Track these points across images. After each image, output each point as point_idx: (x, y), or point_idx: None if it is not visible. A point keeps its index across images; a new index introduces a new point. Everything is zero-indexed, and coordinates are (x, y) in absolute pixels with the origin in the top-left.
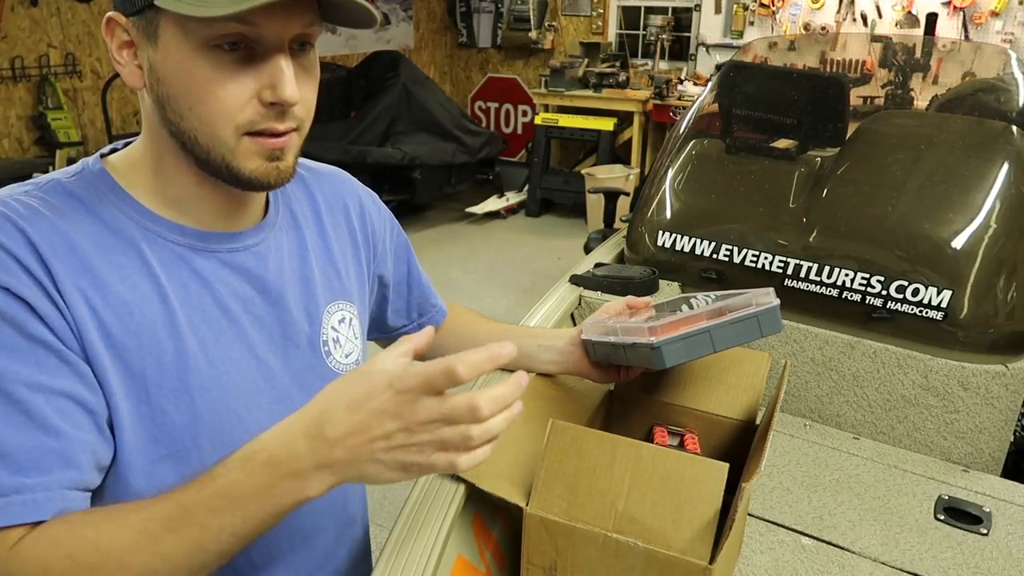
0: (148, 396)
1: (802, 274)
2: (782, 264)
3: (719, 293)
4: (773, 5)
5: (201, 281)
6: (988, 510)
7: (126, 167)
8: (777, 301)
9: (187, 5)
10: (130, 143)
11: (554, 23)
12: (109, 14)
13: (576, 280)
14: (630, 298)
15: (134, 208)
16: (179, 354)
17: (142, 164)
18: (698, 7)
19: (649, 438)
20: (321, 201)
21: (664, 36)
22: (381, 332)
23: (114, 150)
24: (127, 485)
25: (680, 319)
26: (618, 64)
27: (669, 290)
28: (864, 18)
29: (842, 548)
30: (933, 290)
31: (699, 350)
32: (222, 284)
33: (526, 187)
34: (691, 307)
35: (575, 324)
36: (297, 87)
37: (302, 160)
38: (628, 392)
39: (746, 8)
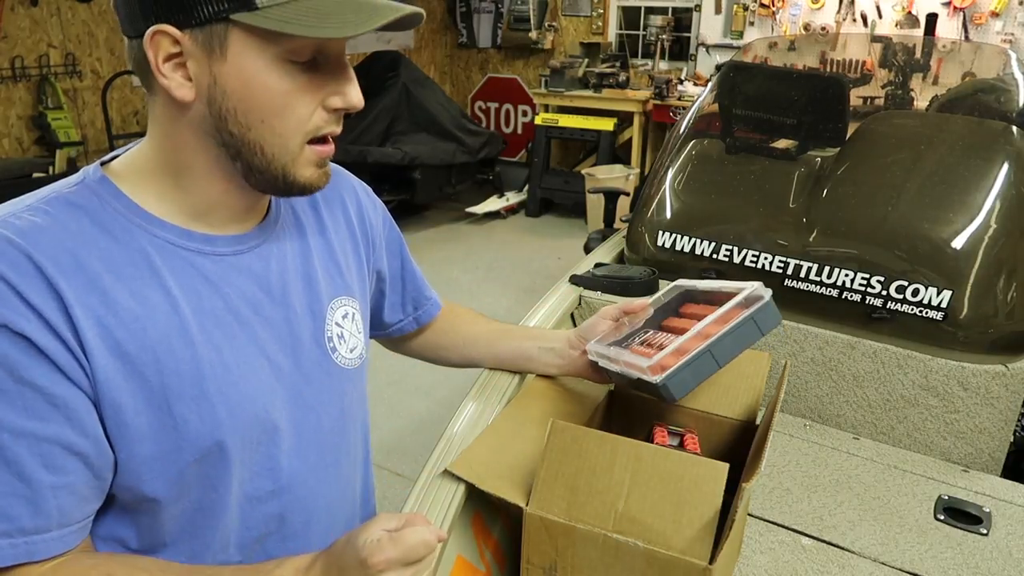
0: (170, 407)
1: (802, 274)
2: (782, 264)
3: (715, 283)
4: (773, 5)
5: (211, 286)
6: (988, 510)
7: (132, 174)
8: (769, 293)
9: (277, 23)
10: (129, 148)
11: (554, 23)
12: (156, 27)
13: (576, 280)
14: (626, 303)
15: (141, 216)
16: (195, 362)
17: (153, 171)
18: (698, 7)
19: (649, 438)
20: (320, 197)
21: (664, 36)
22: (377, 328)
23: (114, 158)
24: (154, 492)
25: (677, 346)
26: (618, 64)
27: None
28: (864, 18)
29: (842, 548)
30: (933, 290)
31: (705, 372)
32: (231, 287)
33: (526, 187)
34: (687, 297)
35: (575, 324)
36: None
37: None
38: (628, 392)
39: (746, 8)
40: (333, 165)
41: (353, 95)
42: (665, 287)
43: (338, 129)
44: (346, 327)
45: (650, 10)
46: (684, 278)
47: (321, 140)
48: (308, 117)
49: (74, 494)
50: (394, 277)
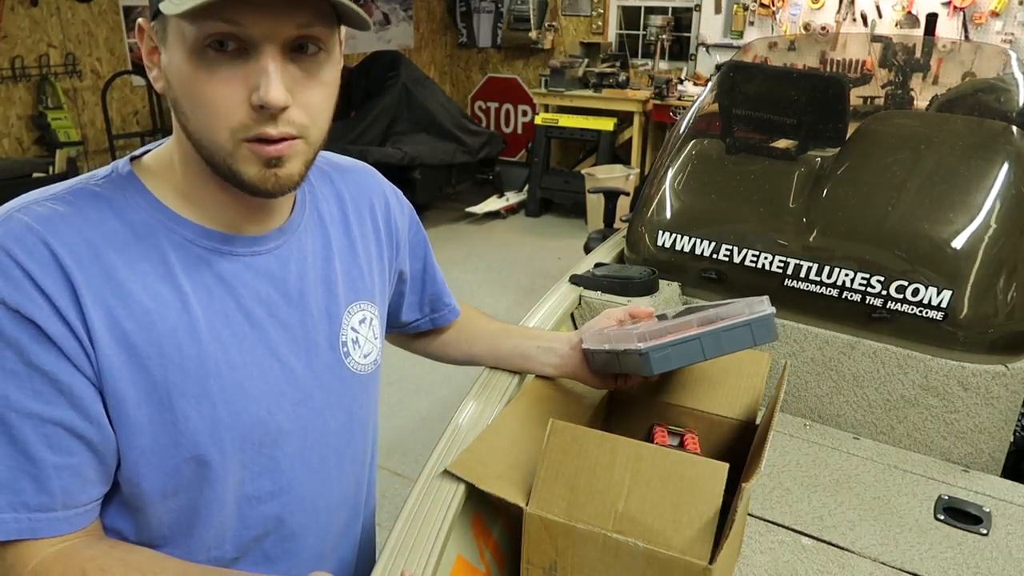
0: (171, 402)
1: (802, 274)
2: (782, 264)
3: (723, 303)
4: (773, 5)
5: (225, 286)
6: (988, 510)
7: (157, 168)
8: (772, 310)
9: (171, 5)
10: (161, 143)
11: (554, 23)
12: (139, 20)
13: (576, 280)
14: (632, 306)
15: (161, 211)
16: (200, 360)
17: (172, 166)
18: (698, 7)
19: (649, 438)
20: (348, 199)
21: (664, 36)
22: (393, 326)
23: (146, 152)
24: (150, 485)
25: (672, 325)
26: (618, 64)
27: (669, 290)
28: (864, 18)
29: (842, 548)
30: (933, 290)
31: (688, 358)
32: (245, 288)
33: (526, 187)
34: (692, 312)
35: (575, 325)
36: (293, 91)
37: (330, 157)
38: (628, 392)
39: (746, 8)
40: (363, 165)
41: (265, 91)
42: (674, 306)
43: (270, 130)
44: (362, 332)
45: (650, 10)
46: (685, 283)
47: (262, 139)
48: (230, 111)
49: (78, 476)
50: (415, 278)
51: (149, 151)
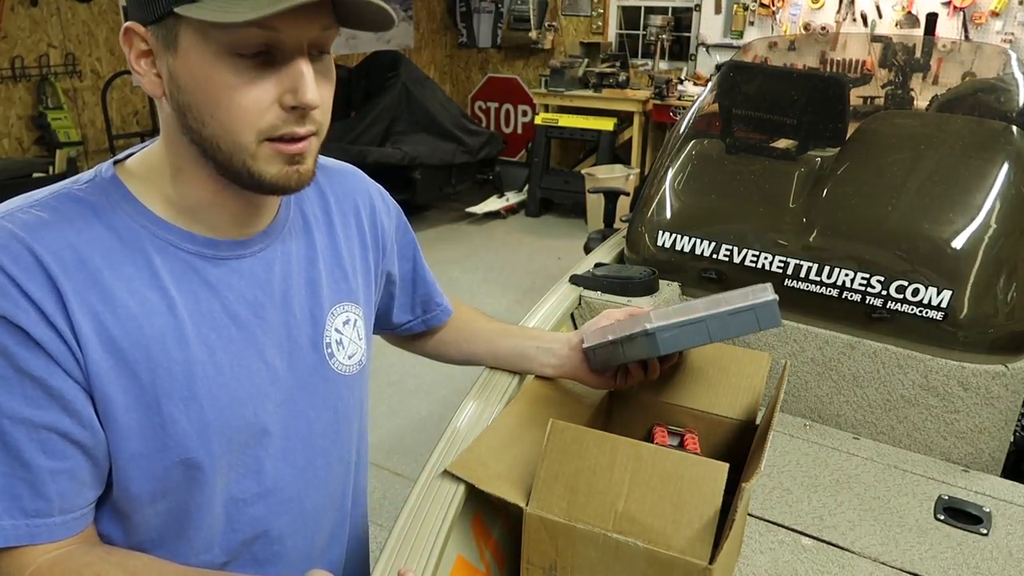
0: (159, 406)
1: (802, 274)
2: (782, 264)
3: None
4: (773, 5)
5: (211, 290)
6: (988, 510)
7: (143, 172)
8: (775, 296)
9: (210, 12)
10: (146, 146)
11: (554, 23)
12: (126, 24)
13: (576, 280)
14: (632, 307)
15: (146, 217)
16: (188, 364)
17: (159, 171)
18: (698, 7)
19: (649, 438)
20: (332, 201)
21: (664, 36)
22: (386, 328)
23: (130, 155)
24: (139, 489)
25: (677, 309)
26: (618, 64)
27: (669, 290)
28: (864, 18)
29: (842, 548)
30: (933, 290)
31: (694, 339)
32: (231, 292)
33: (526, 187)
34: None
35: (575, 325)
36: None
37: None
38: (628, 392)
39: (746, 8)
40: (349, 167)
41: (303, 92)
42: (675, 303)
43: (298, 129)
44: (346, 333)
45: (650, 10)
46: (685, 283)
47: (286, 138)
48: (260, 114)
49: (74, 479)
50: (404, 280)
51: (132, 154)
